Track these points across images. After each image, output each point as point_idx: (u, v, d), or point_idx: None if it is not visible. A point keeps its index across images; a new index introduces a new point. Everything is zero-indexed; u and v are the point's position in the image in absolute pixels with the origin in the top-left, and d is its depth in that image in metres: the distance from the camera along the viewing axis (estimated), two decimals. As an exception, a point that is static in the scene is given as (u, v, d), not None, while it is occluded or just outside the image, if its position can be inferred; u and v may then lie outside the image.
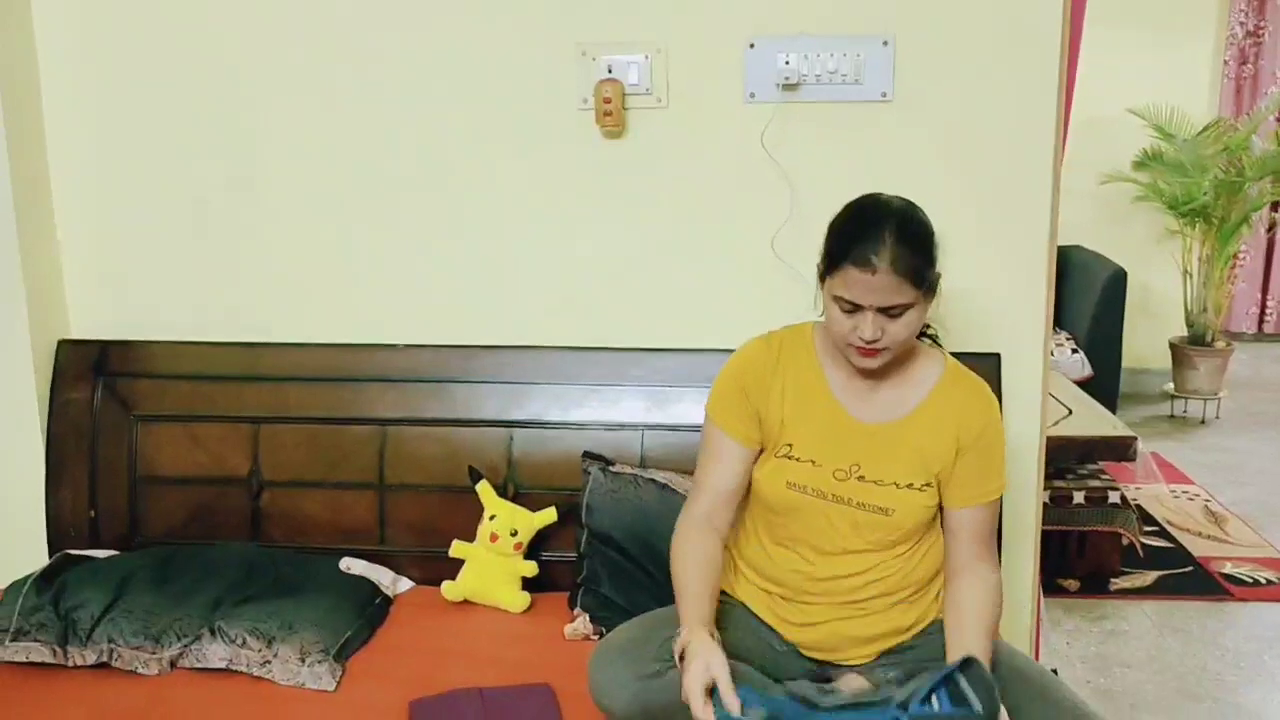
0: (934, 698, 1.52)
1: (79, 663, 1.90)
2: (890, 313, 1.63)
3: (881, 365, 1.70)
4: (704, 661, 1.54)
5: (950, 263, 2.13)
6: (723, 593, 1.87)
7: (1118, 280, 4.79)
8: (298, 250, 2.37)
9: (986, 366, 2.12)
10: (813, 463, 1.75)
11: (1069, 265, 5.03)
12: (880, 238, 1.60)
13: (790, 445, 1.76)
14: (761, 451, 1.79)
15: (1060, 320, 4.91)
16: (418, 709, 1.77)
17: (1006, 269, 2.17)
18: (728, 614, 1.81)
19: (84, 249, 2.43)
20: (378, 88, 2.28)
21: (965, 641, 1.64)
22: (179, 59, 2.32)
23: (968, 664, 1.54)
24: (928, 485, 1.74)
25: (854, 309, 1.64)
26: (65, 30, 2.33)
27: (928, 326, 1.88)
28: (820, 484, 1.74)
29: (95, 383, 2.37)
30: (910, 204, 1.70)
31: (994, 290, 2.18)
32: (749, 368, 1.80)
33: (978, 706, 1.49)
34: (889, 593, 1.77)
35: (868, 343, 1.65)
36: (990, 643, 1.67)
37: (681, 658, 1.58)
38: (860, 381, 1.77)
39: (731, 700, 1.50)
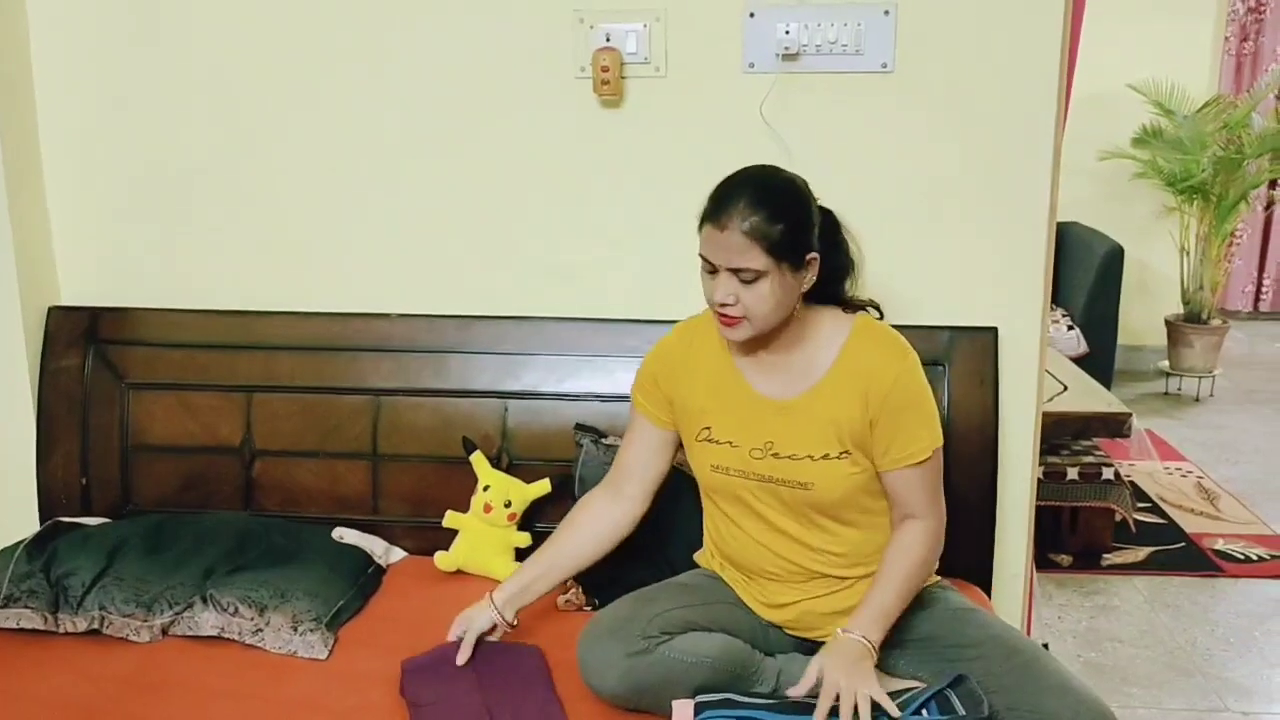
0: (924, 711, 1.55)
1: (70, 630, 1.90)
2: (742, 276, 1.64)
3: (747, 338, 1.70)
4: (468, 612, 1.83)
5: (949, 236, 2.13)
6: (712, 573, 1.89)
7: (1115, 257, 4.78)
8: (291, 218, 2.35)
9: (983, 340, 2.12)
10: (730, 444, 1.77)
11: (1066, 241, 5.01)
12: (736, 198, 1.64)
13: (709, 429, 1.80)
14: (685, 438, 1.84)
15: (1057, 297, 4.91)
16: (410, 667, 1.78)
17: (1005, 243, 2.16)
18: (713, 590, 1.82)
19: (74, 215, 2.40)
20: (373, 54, 2.26)
21: (878, 584, 1.69)
22: (170, 24, 2.29)
23: (960, 680, 1.59)
24: (845, 453, 1.72)
25: (713, 270, 1.67)
26: (55, -8, 2.31)
27: (867, 301, 1.85)
28: (740, 464, 1.76)
29: (86, 350, 2.35)
30: (779, 175, 1.71)
31: (992, 264, 2.16)
32: (662, 357, 1.87)
33: (962, 713, 1.52)
34: (848, 566, 1.76)
35: (720, 306, 1.67)
36: (907, 585, 1.70)
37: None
38: (765, 358, 1.77)
39: (440, 660, 1.78)
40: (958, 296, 2.14)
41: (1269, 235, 6.09)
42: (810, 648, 1.77)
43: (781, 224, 1.63)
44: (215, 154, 2.34)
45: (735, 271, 1.64)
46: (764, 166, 1.73)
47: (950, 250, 2.16)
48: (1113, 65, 5.04)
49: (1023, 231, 2.15)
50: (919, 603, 1.77)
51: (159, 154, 2.35)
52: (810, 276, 1.70)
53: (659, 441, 1.88)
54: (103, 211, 2.40)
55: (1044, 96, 2.10)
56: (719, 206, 1.65)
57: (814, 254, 1.69)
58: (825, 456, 1.72)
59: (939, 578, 1.87)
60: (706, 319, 1.82)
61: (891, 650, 1.73)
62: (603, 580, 2.03)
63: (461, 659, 1.77)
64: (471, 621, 1.81)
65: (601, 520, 1.89)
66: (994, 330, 2.14)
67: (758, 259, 1.62)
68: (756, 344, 1.75)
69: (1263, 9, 5.68)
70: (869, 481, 1.74)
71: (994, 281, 2.17)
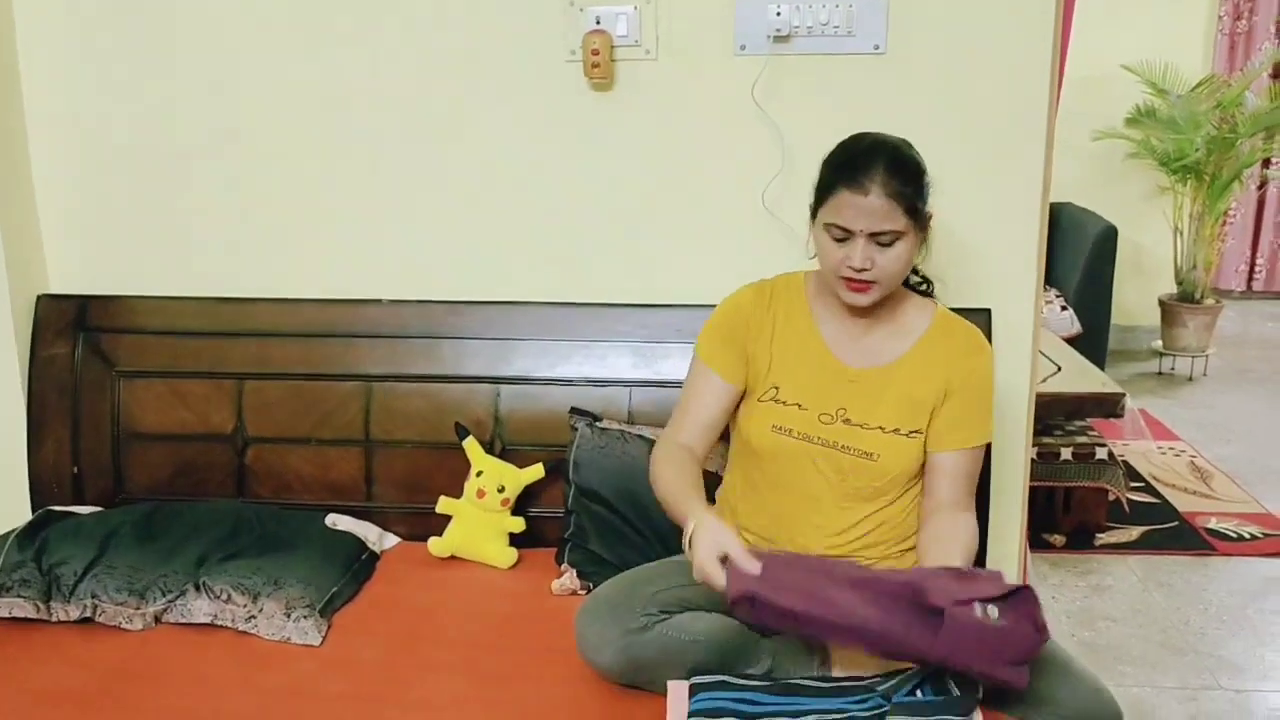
0: (918, 691, 1.55)
1: (62, 618, 1.90)
2: (880, 239, 1.66)
3: (872, 303, 1.72)
4: (712, 536, 1.56)
5: (943, 218, 2.12)
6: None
7: (1108, 237, 4.77)
8: (282, 204, 2.34)
9: (977, 321, 2.10)
10: (799, 406, 1.76)
11: (1060, 222, 5.00)
12: (874, 163, 1.66)
13: (777, 388, 1.78)
14: (745, 397, 1.81)
15: (1050, 277, 4.90)
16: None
17: (999, 224, 2.16)
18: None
19: (63, 201, 2.39)
20: (363, 38, 2.24)
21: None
22: (158, 9, 2.27)
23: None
24: (915, 432, 1.75)
25: (845, 237, 1.67)
26: (40, -23, 2.28)
27: (921, 279, 1.87)
28: (806, 427, 1.75)
29: (76, 338, 2.34)
30: (897, 138, 1.74)
31: (986, 245, 2.16)
32: (740, 309, 1.83)
33: (956, 693, 1.52)
34: (872, 545, 1.77)
35: (857, 272, 1.66)
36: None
37: (690, 546, 1.58)
38: (851, 327, 1.79)
39: (751, 563, 1.52)
40: (951, 278, 2.14)
41: (1262, 215, 6.08)
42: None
43: (915, 184, 1.68)
44: (205, 140, 2.32)
45: (874, 235, 1.65)
46: (877, 133, 1.75)
47: (943, 232, 2.15)
48: (1106, 45, 5.02)
49: (1016, 213, 2.15)
50: None
51: (148, 141, 2.34)
52: (927, 236, 1.74)
53: (729, 398, 1.81)
54: (91, 199, 2.38)
55: (1037, 77, 2.09)
56: (856, 172, 1.66)
57: (931, 213, 1.72)
58: (896, 431, 1.74)
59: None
60: (785, 282, 1.84)
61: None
62: (598, 564, 2.04)
63: (754, 566, 1.53)
64: (721, 538, 1.56)
65: (698, 472, 1.77)
66: (988, 311, 2.14)
67: (899, 220, 1.65)
68: (857, 310, 1.76)
69: (1256, -12, 5.66)
70: (920, 467, 1.77)
71: (987, 263, 2.17)
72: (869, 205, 1.64)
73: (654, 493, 1.77)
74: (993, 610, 1.47)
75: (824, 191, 1.70)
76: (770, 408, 1.78)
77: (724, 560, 1.53)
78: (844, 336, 1.79)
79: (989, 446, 2.11)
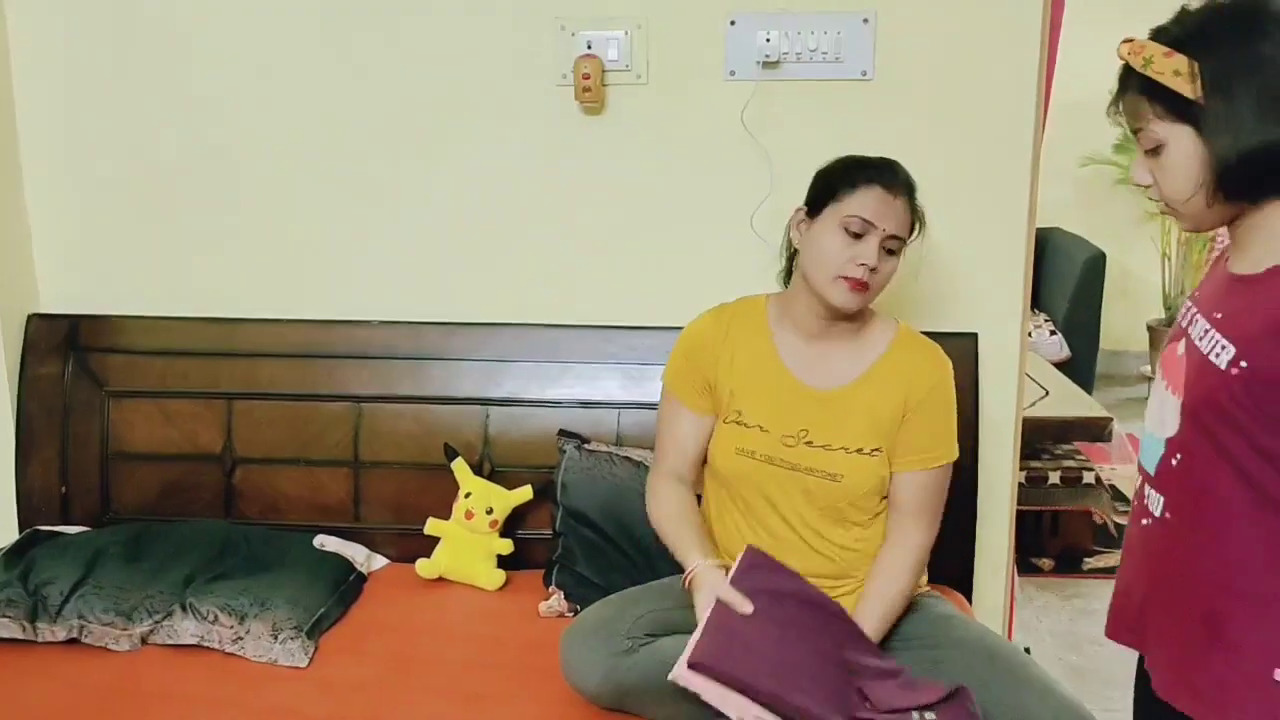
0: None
1: (49, 639, 1.89)
2: (890, 245, 1.69)
3: (859, 308, 1.73)
4: (709, 588, 1.60)
5: (930, 242, 2.14)
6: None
7: (1096, 263, 4.80)
8: (272, 225, 2.34)
9: (964, 345, 2.13)
10: (760, 428, 1.77)
11: (1048, 247, 5.04)
12: (901, 174, 1.73)
13: (740, 411, 1.79)
14: (715, 421, 1.82)
15: (1038, 302, 4.93)
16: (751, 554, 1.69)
17: (986, 249, 2.17)
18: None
19: (54, 221, 2.39)
20: (353, 61, 2.25)
21: (864, 609, 1.69)
22: (149, 29, 2.28)
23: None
24: (877, 450, 1.74)
25: (863, 232, 1.68)
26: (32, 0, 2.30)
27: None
28: (769, 449, 1.75)
29: (66, 357, 2.34)
30: None
31: (973, 270, 2.17)
32: (698, 337, 1.84)
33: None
34: (840, 573, 1.77)
35: (869, 272, 1.68)
36: (891, 610, 1.71)
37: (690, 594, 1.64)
38: (811, 348, 1.80)
39: (743, 604, 1.57)
40: (938, 302, 2.15)
41: (1249, 240, 6.12)
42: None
43: (916, 203, 1.75)
44: (196, 161, 2.33)
45: (890, 238, 1.69)
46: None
47: (930, 256, 2.17)
48: (1094, 71, 5.01)
49: (1003, 237, 2.17)
50: (905, 606, 1.78)
51: (139, 160, 2.35)
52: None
53: (701, 428, 1.83)
54: (83, 218, 2.38)
55: (1023, 103, 2.11)
56: (888, 175, 1.71)
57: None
58: (859, 451, 1.74)
59: (928, 587, 1.88)
60: (744, 306, 1.85)
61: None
62: (586, 587, 2.04)
63: (746, 607, 1.57)
64: (718, 589, 1.60)
65: (694, 504, 1.83)
66: (974, 335, 2.16)
67: (907, 230, 1.72)
68: (812, 333, 1.78)
69: (1242, 16, 5.71)
70: (885, 486, 1.77)
71: (974, 287, 2.18)
72: (897, 207, 1.69)
73: (654, 529, 1.81)
74: (929, 716, 1.52)
75: (846, 186, 1.70)
76: (734, 430, 1.78)
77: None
78: (805, 358, 1.80)
79: (975, 466, 2.14)
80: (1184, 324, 1.32)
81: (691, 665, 1.49)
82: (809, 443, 1.74)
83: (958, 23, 2.10)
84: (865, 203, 1.68)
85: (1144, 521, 1.33)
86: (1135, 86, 1.29)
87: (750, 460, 1.76)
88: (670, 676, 1.50)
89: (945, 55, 2.11)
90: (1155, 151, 1.28)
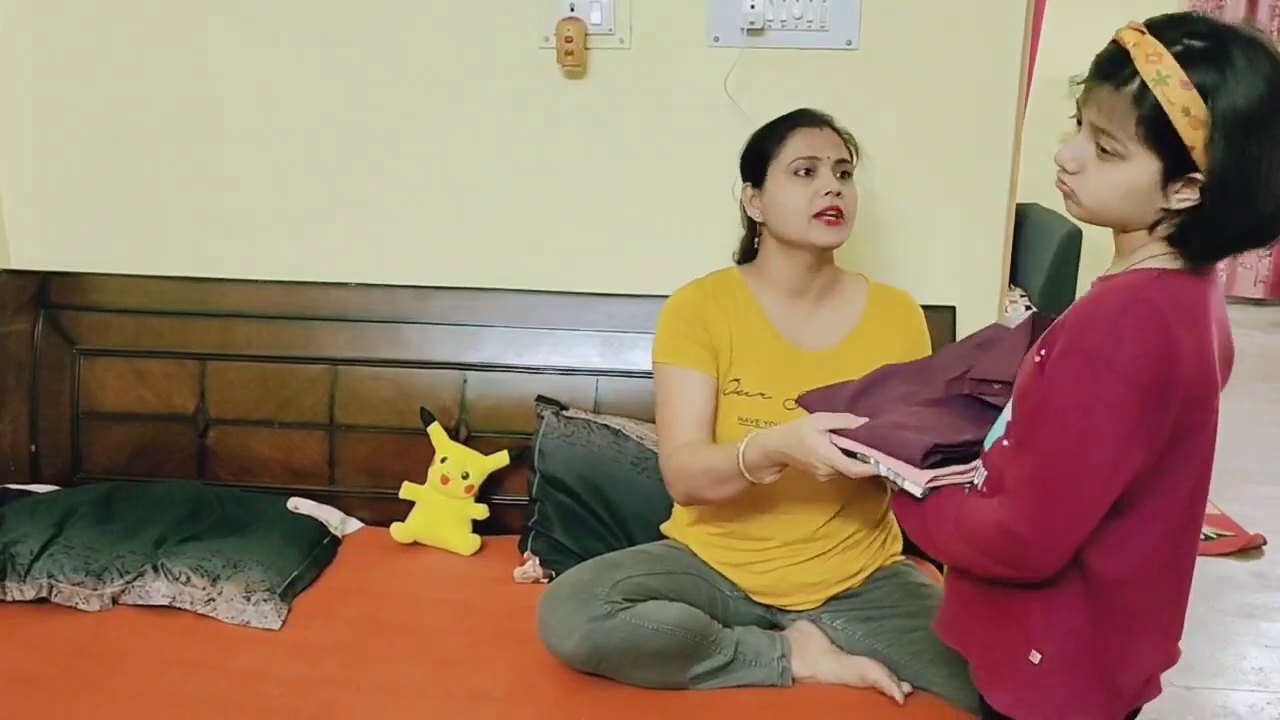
0: None
1: (17, 598, 1.87)
2: (843, 168, 1.75)
3: (841, 242, 1.75)
4: (791, 432, 1.46)
5: (909, 215, 2.14)
6: (670, 538, 1.89)
7: (1073, 239, 4.82)
8: (249, 184, 2.31)
9: (942, 318, 2.13)
10: (762, 395, 1.77)
11: (1025, 222, 5.04)
12: (812, 110, 1.81)
13: (738, 380, 1.78)
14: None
15: (1015, 276, 4.95)
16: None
17: (965, 223, 2.17)
18: (676, 560, 1.82)
19: (24, 176, 2.35)
20: (334, 22, 2.22)
21: None
22: (125, -19, 2.25)
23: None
24: None
25: (811, 169, 1.73)
26: (5, -54, 2.25)
27: None
28: (772, 416, 1.75)
29: (36, 315, 2.31)
30: None
31: (952, 244, 2.18)
32: (691, 306, 1.81)
33: None
34: (838, 532, 1.78)
35: (835, 196, 1.71)
36: None
37: (779, 464, 1.54)
38: (797, 310, 1.81)
39: (853, 420, 1.41)
40: (916, 275, 2.15)
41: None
42: (774, 619, 1.80)
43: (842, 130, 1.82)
44: (171, 117, 2.30)
45: (837, 164, 1.74)
46: None
47: (909, 229, 2.17)
48: (1077, 48, 5.00)
49: (982, 212, 2.17)
50: (881, 574, 1.81)
51: (113, 116, 2.31)
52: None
53: (711, 390, 1.77)
54: (54, 173, 2.35)
55: (1006, 78, 2.11)
56: (802, 114, 1.79)
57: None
58: None
59: (903, 555, 1.89)
60: (721, 278, 1.85)
61: (849, 623, 1.76)
62: (561, 553, 2.04)
63: (854, 421, 1.43)
64: (819, 420, 1.46)
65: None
66: (952, 309, 2.16)
67: (849, 154, 1.78)
68: (795, 292, 1.81)
69: (1224, -6, 5.73)
70: None
71: (952, 261, 2.19)
72: (826, 137, 1.76)
73: (693, 496, 1.73)
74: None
75: (776, 141, 1.77)
76: (734, 400, 1.78)
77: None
78: (793, 320, 1.81)
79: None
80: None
81: (925, 460, 1.28)
82: None
83: (943, -6, 2.09)
84: (799, 144, 1.75)
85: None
86: (1130, 93, 1.08)
87: (753, 429, 1.73)
88: (920, 494, 1.28)
89: (930, 28, 2.11)
90: (1106, 156, 1.10)
